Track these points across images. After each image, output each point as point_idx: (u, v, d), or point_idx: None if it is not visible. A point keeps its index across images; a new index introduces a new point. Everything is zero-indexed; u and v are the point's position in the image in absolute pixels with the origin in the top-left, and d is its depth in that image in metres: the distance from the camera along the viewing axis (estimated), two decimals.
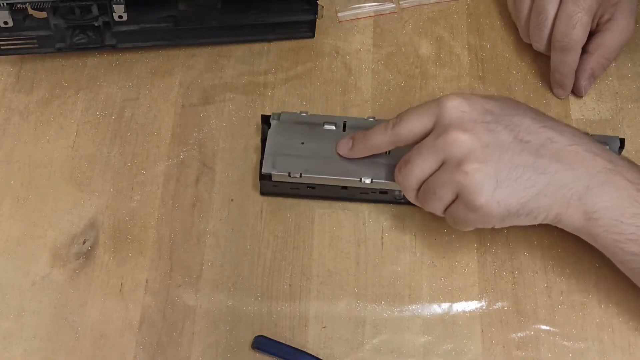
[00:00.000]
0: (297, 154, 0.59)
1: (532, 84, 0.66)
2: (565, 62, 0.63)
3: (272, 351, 0.55)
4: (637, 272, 0.52)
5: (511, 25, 0.69)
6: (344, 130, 0.60)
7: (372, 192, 0.59)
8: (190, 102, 0.66)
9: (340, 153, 0.58)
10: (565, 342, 0.55)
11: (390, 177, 0.57)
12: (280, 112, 0.61)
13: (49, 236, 0.60)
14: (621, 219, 0.50)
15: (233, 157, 0.63)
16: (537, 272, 0.58)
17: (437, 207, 0.53)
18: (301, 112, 0.61)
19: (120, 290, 0.58)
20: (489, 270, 0.58)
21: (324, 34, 0.69)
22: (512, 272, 0.58)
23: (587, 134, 0.55)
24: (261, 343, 0.55)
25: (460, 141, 0.50)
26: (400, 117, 0.55)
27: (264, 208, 0.61)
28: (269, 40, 0.68)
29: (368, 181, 0.58)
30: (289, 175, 0.58)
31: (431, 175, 0.53)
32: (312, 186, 0.59)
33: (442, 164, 0.52)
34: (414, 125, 0.54)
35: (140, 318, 0.57)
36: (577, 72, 0.64)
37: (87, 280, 0.58)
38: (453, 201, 0.52)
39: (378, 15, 0.70)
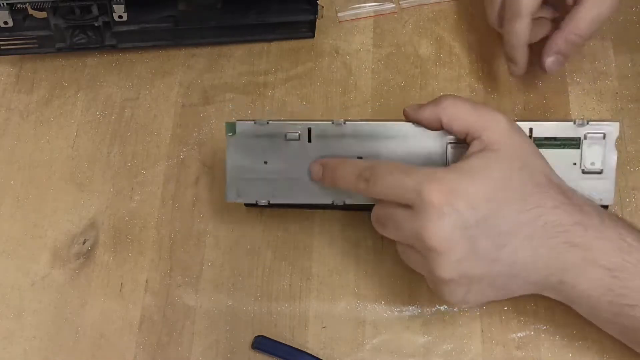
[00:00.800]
0: (262, 177, 0.55)
1: (532, 84, 0.66)
2: (513, 31, 0.59)
3: (272, 351, 0.55)
4: (625, 342, 0.53)
5: None
6: (309, 141, 0.55)
7: (347, 207, 0.57)
8: (190, 102, 0.66)
9: (312, 178, 0.55)
10: (565, 342, 0.55)
11: (363, 198, 0.53)
12: (234, 121, 0.55)
13: (49, 236, 0.60)
14: (597, 307, 0.49)
15: None
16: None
17: (391, 236, 0.52)
18: (257, 121, 0.55)
19: (120, 290, 0.58)
20: None
21: (324, 34, 0.69)
22: None
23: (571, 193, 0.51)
24: (261, 343, 0.55)
25: (435, 252, 0.48)
26: (372, 175, 0.50)
27: (264, 208, 0.61)
28: (269, 40, 0.68)
29: (340, 204, 0.55)
30: (256, 204, 0.56)
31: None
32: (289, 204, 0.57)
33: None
34: (389, 193, 0.50)
35: (140, 318, 0.57)
36: (544, 47, 0.60)
37: (87, 280, 0.58)
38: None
39: (378, 15, 0.70)
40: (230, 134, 0.55)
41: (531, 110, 0.65)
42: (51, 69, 0.68)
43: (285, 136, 0.55)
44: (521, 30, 0.59)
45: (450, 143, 0.54)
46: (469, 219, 0.47)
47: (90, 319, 0.57)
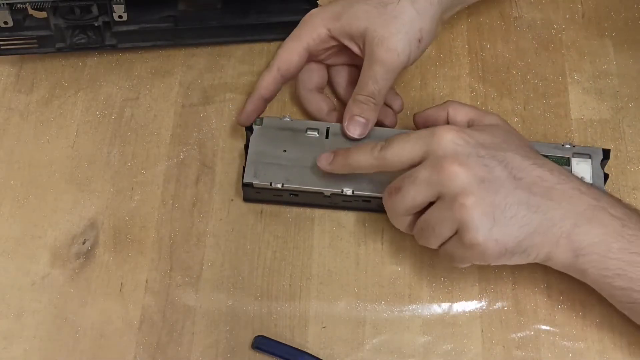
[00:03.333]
0: (279, 163, 0.59)
1: (532, 84, 0.66)
2: (261, 76, 0.62)
3: (272, 351, 0.55)
4: (626, 305, 0.52)
5: (511, 25, 0.69)
6: (326, 137, 0.60)
7: (355, 201, 0.59)
8: (190, 102, 0.66)
9: (320, 166, 0.57)
10: (565, 342, 0.55)
11: (373, 188, 0.57)
12: (262, 116, 0.61)
13: (49, 236, 0.60)
14: (608, 254, 0.50)
15: (233, 157, 0.63)
16: (537, 272, 0.58)
17: (433, 243, 0.53)
18: (284, 117, 0.61)
19: (120, 290, 0.58)
20: (489, 270, 0.58)
21: None
22: (512, 272, 0.58)
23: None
24: (261, 343, 0.55)
25: (457, 175, 0.50)
26: (389, 141, 0.53)
27: (264, 208, 0.61)
28: (269, 40, 0.68)
29: (349, 192, 0.58)
30: (271, 185, 0.58)
31: (425, 209, 0.52)
32: (295, 194, 0.59)
33: (438, 199, 0.51)
34: (403, 153, 0.53)
35: (140, 318, 0.57)
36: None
37: (87, 280, 0.58)
38: (450, 238, 0.52)
39: None
40: (257, 125, 0.60)
41: (531, 110, 0.65)
42: (51, 69, 0.68)
43: (306, 131, 0.60)
44: (264, 81, 0.61)
45: None
46: (481, 151, 0.51)
47: (90, 319, 0.57)
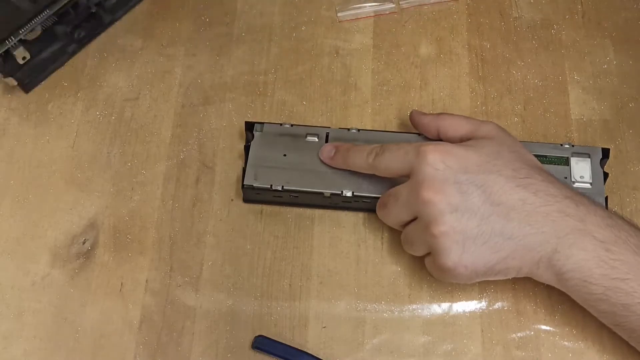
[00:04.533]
0: (279, 166, 0.59)
1: (532, 84, 0.66)
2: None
3: (272, 351, 0.55)
4: (611, 326, 0.52)
5: (511, 25, 0.69)
6: (326, 141, 0.60)
7: (354, 202, 0.59)
8: (190, 102, 0.66)
9: (321, 157, 0.59)
10: (565, 342, 0.55)
11: (372, 189, 0.58)
12: (263, 122, 0.61)
13: (49, 236, 0.60)
14: (589, 280, 0.50)
15: (233, 157, 0.63)
16: None
17: (415, 253, 0.56)
18: (284, 124, 0.61)
19: (120, 290, 0.58)
20: None
21: (324, 34, 0.69)
22: None
23: (567, 187, 0.53)
24: (261, 343, 0.55)
25: (430, 203, 0.51)
26: (382, 150, 0.55)
27: (264, 208, 0.61)
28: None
29: (349, 194, 0.58)
30: (271, 188, 0.59)
31: (408, 223, 0.54)
32: (295, 195, 0.59)
33: (417, 218, 0.53)
34: (393, 165, 0.54)
35: (140, 318, 0.57)
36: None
37: (87, 280, 0.58)
38: (428, 254, 0.54)
39: (378, 15, 0.70)
40: (257, 131, 0.61)
41: (531, 110, 0.65)
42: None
43: (306, 137, 0.60)
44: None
45: None
46: (460, 176, 0.51)
47: (90, 319, 0.57)
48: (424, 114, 0.59)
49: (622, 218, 0.52)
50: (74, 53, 0.68)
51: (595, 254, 0.49)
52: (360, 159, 0.56)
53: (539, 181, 0.51)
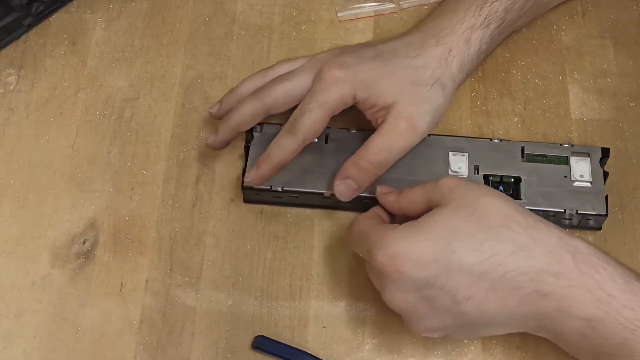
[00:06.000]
0: None
1: (532, 84, 0.66)
2: (279, 142, 0.57)
3: (272, 351, 0.55)
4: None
5: None
6: (325, 142, 0.60)
7: (354, 202, 0.59)
8: (190, 102, 0.66)
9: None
10: None
11: (372, 189, 0.57)
12: (263, 122, 0.60)
13: (49, 236, 0.60)
14: (579, 349, 0.47)
15: (233, 158, 0.63)
16: None
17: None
18: (283, 124, 0.59)
19: (120, 290, 0.58)
20: None
21: (324, 34, 0.69)
22: None
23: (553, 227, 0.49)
24: (261, 343, 0.55)
25: (398, 309, 0.49)
26: (352, 237, 0.54)
27: (264, 208, 0.61)
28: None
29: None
30: (271, 189, 0.59)
31: None
32: (295, 195, 0.59)
33: None
34: (360, 251, 0.53)
35: (140, 318, 0.57)
36: (338, 171, 0.57)
37: (87, 280, 0.58)
38: None
39: (378, 15, 0.70)
40: (257, 132, 0.61)
41: (531, 110, 0.65)
42: (51, 69, 0.68)
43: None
44: (287, 146, 0.56)
45: (452, 151, 0.59)
46: (418, 281, 0.47)
47: (90, 319, 0.57)
48: (388, 193, 0.55)
49: (612, 274, 0.46)
50: (31, 26, 0.67)
51: (579, 331, 0.46)
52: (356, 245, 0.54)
53: (506, 256, 0.46)
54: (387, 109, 0.57)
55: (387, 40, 0.61)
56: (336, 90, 0.56)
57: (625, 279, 0.46)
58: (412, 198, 0.52)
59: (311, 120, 0.56)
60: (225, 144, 0.60)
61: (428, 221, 0.48)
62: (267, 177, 0.57)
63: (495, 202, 0.48)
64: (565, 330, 0.47)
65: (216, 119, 0.61)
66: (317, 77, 0.57)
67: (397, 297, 0.48)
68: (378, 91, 0.57)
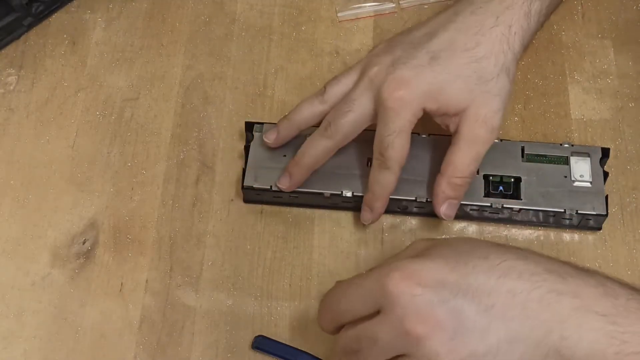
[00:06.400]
0: (279, 167, 0.59)
1: (532, 84, 0.66)
2: (379, 180, 0.56)
3: (272, 351, 0.55)
4: None
5: None
6: None
7: (354, 202, 0.59)
8: (190, 102, 0.66)
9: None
10: None
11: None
12: (263, 122, 0.61)
13: (49, 236, 0.60)
14: (605, 357, 0.44)
15: (233, 157, 0.63)
16: None
17: None
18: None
19: (120, 290, 0.58)
20: None
21: (324, 34, 0.69)
22: None
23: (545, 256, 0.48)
24: (261, 343, 0.55)
25: (426, 339, 0.43)
26: (333, 294, 0.48)
27: (264, 208, 0.61)
28: None
29: (349, 194, 0.58)
30: (271, 188, 0.59)
31: None
32: (295, 195, 0.59)
33: (405, 356, 0.44)
34: (356, 309, 0.46)
35: (140, 318, 0.57)
36: (433, 196, 0.56)
37: (87, 280, 0.58)
38: None
39: (378, 15, 0.70)
40: (257, 132, 0.61)
41: (531, 109, 0.65)
42: (51, 69, 0.68)
43: (305, 137, 0.58)
44: (387, 182, 0.56)
45: None
46: (442, 292, 0.44)
47: (90, 319, 0.57)
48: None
49: (605, 277, 0.46)
50: (31, 26, 0.67)
51: (604, 332, 0.43)
52: (320, 314, 0.50)
53: (514, 260, 0.45)
54: (458, 114, 0.55)
55: (437, 24, 0.57)
56: (405, 114, 0.54)
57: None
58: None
59: (397, 149, 0.54)
60: (300, 184, 0.58)
61: (432, 249, 0.47)
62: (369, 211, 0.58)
63: (474, 238, 0.50)
64: (592, 335, 0.43)
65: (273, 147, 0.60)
66: (381, 105, 0.54)
67: (423, 313, 0.43)
68: (447, 100, 0.54)
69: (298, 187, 0.59)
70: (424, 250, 0.47)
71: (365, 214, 0.58)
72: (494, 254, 0.46)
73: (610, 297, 0.44)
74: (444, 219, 0.57)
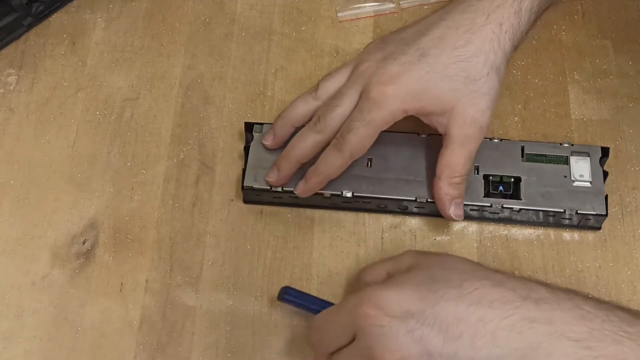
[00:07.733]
0: None
1: (532, 84, 0.66)
2: (327, 159, 0.56)
3: (297, 302, 0.54)
4: None
5: None
6: None
7: (354, 202, 0.59)
8: (190, 102, 0.66)
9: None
10: None
11: (372, 189, 0.58)
12: (263, 123, 0.61)
13: (49, 236, 0.60)
14: None
15: (233, 157, 0.63)
16: (537, 272, 0.58)
17: None
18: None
19: (120, 290, 0.58)
20: None
21: (324, 34, 0.69)
22: (512, 272, 0.58)
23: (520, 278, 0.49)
24: (287, 294, 0.54)
25: None
26: (314, 327, 0.50)
27: (264, 208, 0.61)
28: None
29: (349, 194, 0.58)
30: (271, 189, 0.59)
31: None
32: (295, 196, 0.59)
33: None
34: (334, 340, 0.48)
35: (140, 318, 0.57)
36: (438, 201, 0.57)
37: (87, 280, 0.58)
38: None
39: (378, 15, 0.70)
40: (257, 132, 0.61)
41: (531, 109, 0.65)
42: (51, 69, 0.68)
43: None
44: (336, 166, 0.56)
45: None
46: (408, 322, 0.45)
47: (90, 319, 0.57)
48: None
49: (584, 298, 0.46)
50: (31, 26, 0.68)
51: (576, 357, 0.44)
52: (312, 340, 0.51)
53: (489, 288, 0.46)
54: (445, 114, 0.55)
55: (429, 22, 0.57)
56: (385, 109, 0.54)
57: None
58: (373, 273, 0.53)
59: (358, 139, 0.55)
60: (289, 179, 0.58)
61: (406, 275, 0.49)
62: (315, 190, 0.58)
63: (460, 259, 0.50)
64: None
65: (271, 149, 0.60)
66: (365, 94, 0.55)
67: (390, 345, 0.45)
68: (431, 99, 0.55)
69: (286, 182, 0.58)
70: (406, 270, 0.49)
71: (300, 184, 0.58)
72: (468, 281, 0.46)
73: (586, 320, 0.45)
74: (455, 220, 0.57)
